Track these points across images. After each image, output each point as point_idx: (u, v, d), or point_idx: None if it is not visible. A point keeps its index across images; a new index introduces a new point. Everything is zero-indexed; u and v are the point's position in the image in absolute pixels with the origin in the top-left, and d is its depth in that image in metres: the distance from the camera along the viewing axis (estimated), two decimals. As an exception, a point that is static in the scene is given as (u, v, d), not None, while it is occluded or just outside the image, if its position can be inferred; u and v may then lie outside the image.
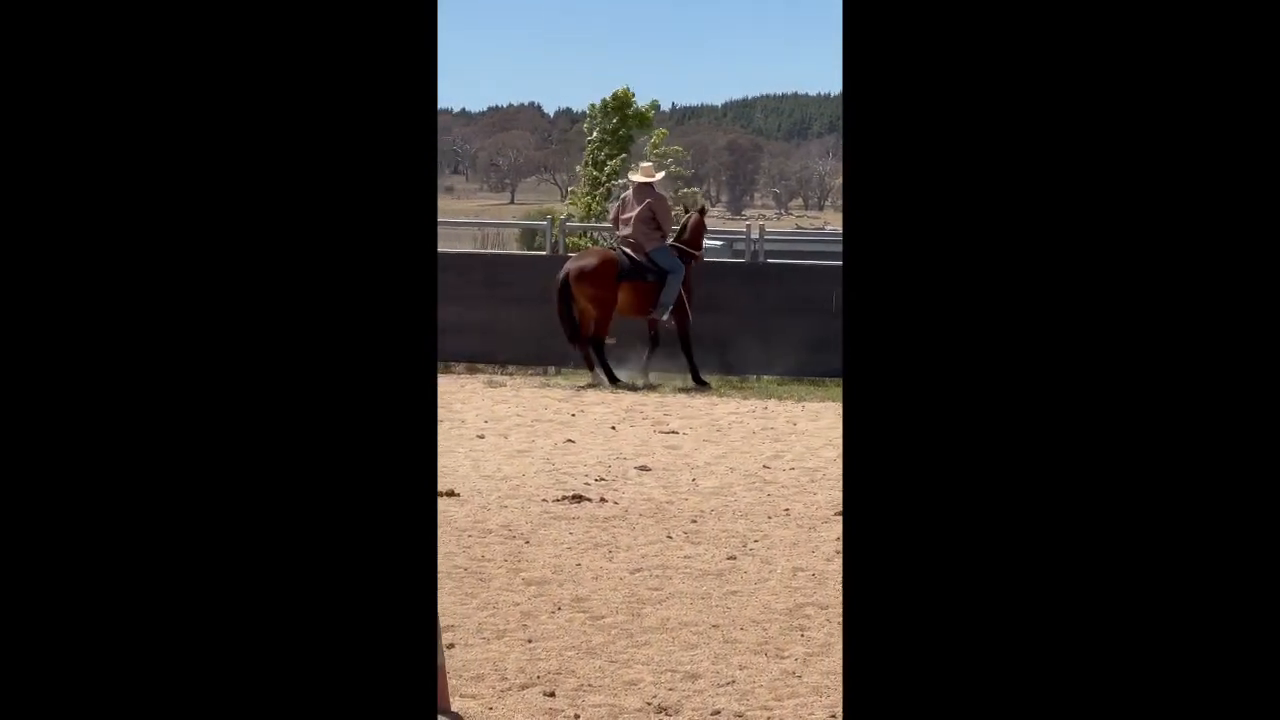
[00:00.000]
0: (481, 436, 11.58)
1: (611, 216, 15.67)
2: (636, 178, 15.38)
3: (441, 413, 11.12)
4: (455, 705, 5.11)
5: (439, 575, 6.27)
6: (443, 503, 8.68)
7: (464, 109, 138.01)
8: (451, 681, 5.24)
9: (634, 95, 20.89)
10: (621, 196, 15.89)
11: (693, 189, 26.85)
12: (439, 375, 11.71)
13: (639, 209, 14.96)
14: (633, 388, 14.62)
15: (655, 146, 21.38)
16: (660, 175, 16.07)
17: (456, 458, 10.37)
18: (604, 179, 20.72)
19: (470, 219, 51.77)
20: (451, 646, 5.83)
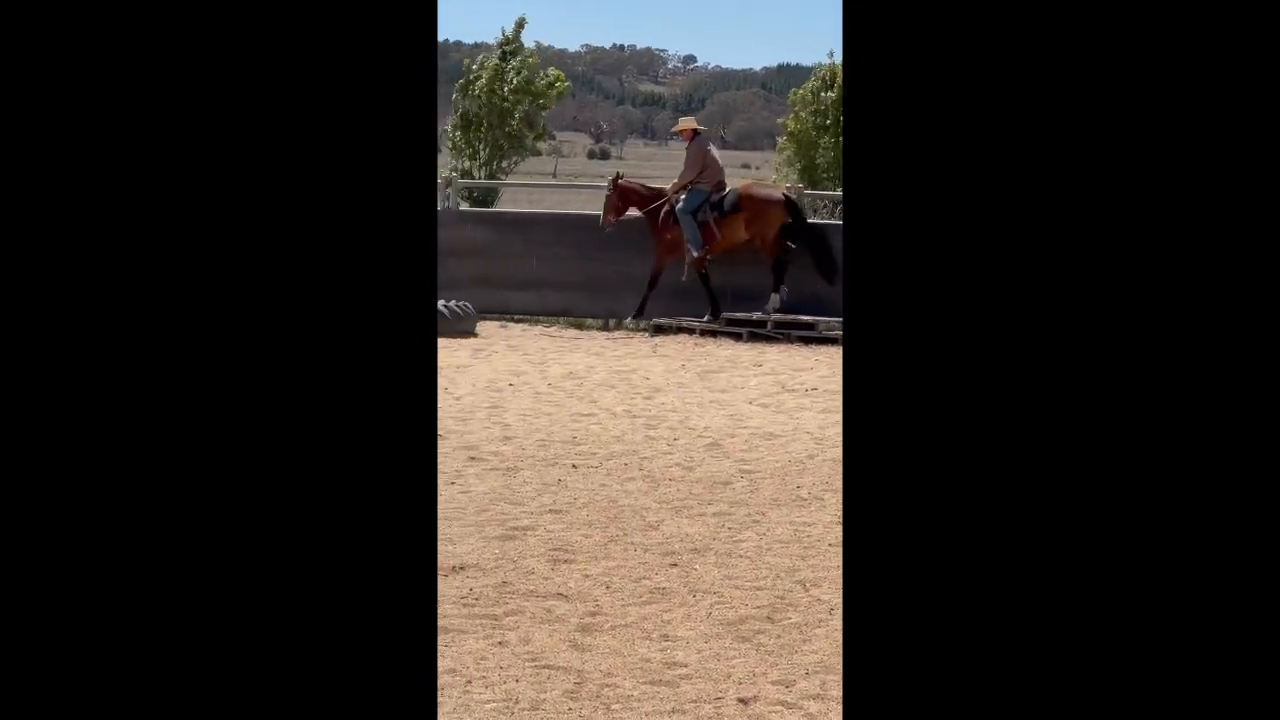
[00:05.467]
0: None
1: (709, 161, 16.17)
2: (694, 126, 16.52)
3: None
4: None
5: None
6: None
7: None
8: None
9: None
10: (708, 146, 16.53)
11: None
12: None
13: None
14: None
15: None
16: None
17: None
18: None
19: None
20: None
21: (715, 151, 16.55)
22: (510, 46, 26.89)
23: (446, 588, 6.14)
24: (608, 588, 6.23)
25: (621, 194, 16.39)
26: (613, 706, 4.85)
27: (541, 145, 29.79)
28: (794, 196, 16.14)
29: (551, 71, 26.91)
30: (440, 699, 4.82)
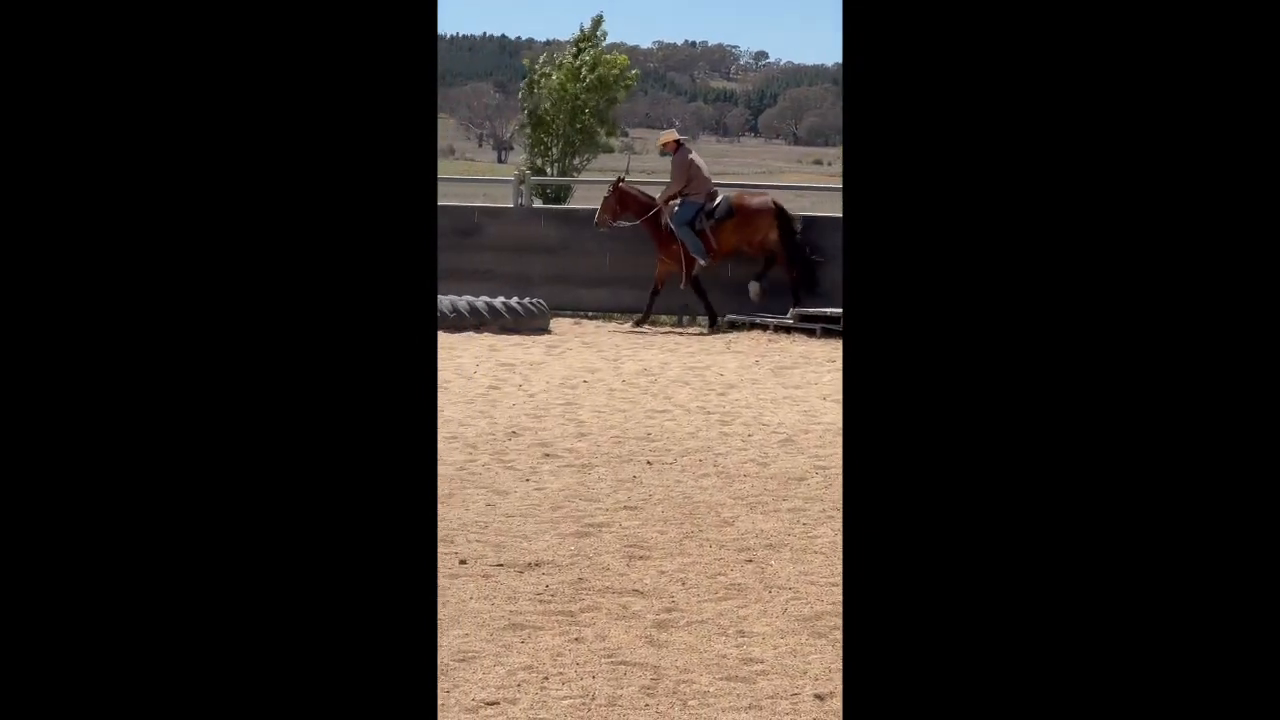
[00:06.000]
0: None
1: (694, 171, 16.52)
2: (676, 138, 16.98)
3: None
4: None
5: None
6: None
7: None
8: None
9: None
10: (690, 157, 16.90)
11: None
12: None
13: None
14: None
15: None
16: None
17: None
18: None
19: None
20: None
21: (700, 160, 16.95)
22: (587, 43, 26.91)
23: (522, 583, 6.15)
24: (683, 584, 6.23)
25: (620, 197, 16.62)
26: (689, 703, 4.84)
27: (614, 142, 29.80)
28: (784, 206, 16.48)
29: (619, 59, 26.87)
30: (516, 695, 4.83)
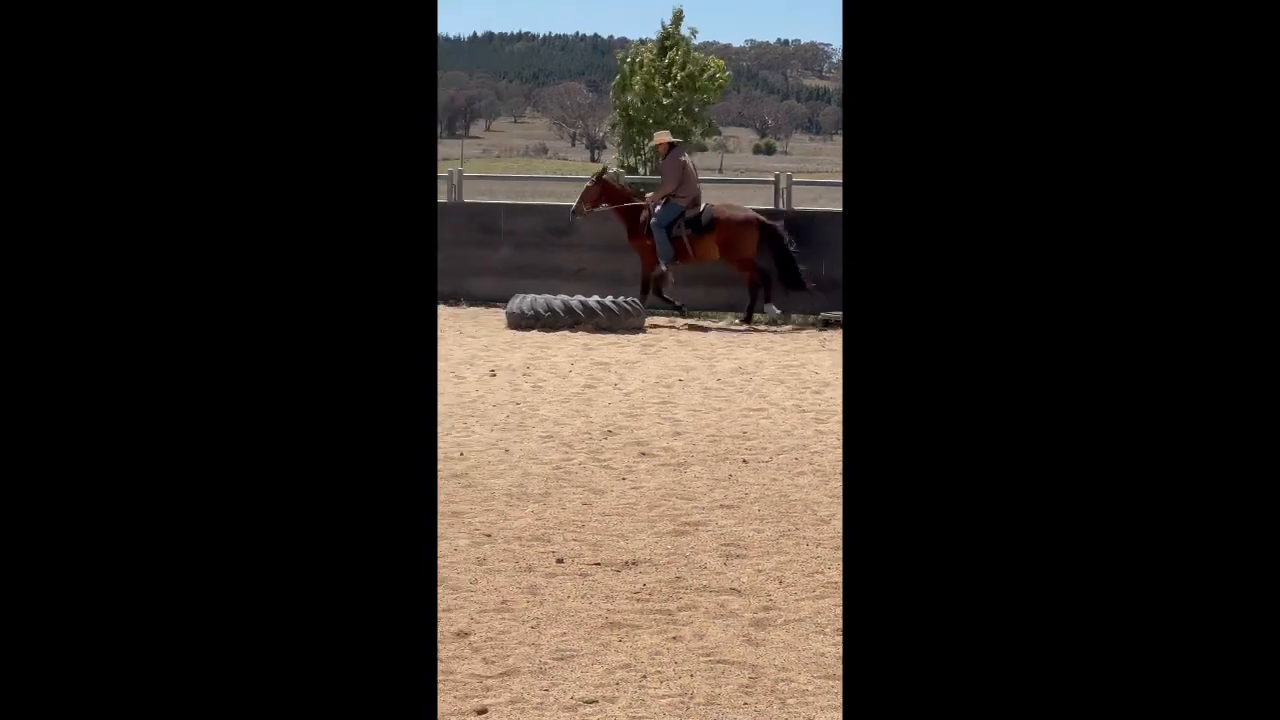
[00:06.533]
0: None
1: (686, 175, 16.70)
2: (669, 139, 17.21)
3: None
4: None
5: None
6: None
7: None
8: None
9: None
10: (683, 159, 17.07)
11: None
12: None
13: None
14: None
15: None
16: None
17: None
18: None
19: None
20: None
21: (692, 164, 17.07)
22: (670, 40, 26.87)
23: (619, 582, 6.16)
24: (780, 582, 6.21)
25: (604, 188, 16.86)
26: (788, 701, 4.83)
27: (707, 141, 29.78)
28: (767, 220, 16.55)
29: (712, 60, 26.85)
30: (615, 693, 4.84)
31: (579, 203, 16.83)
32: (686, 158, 17.15)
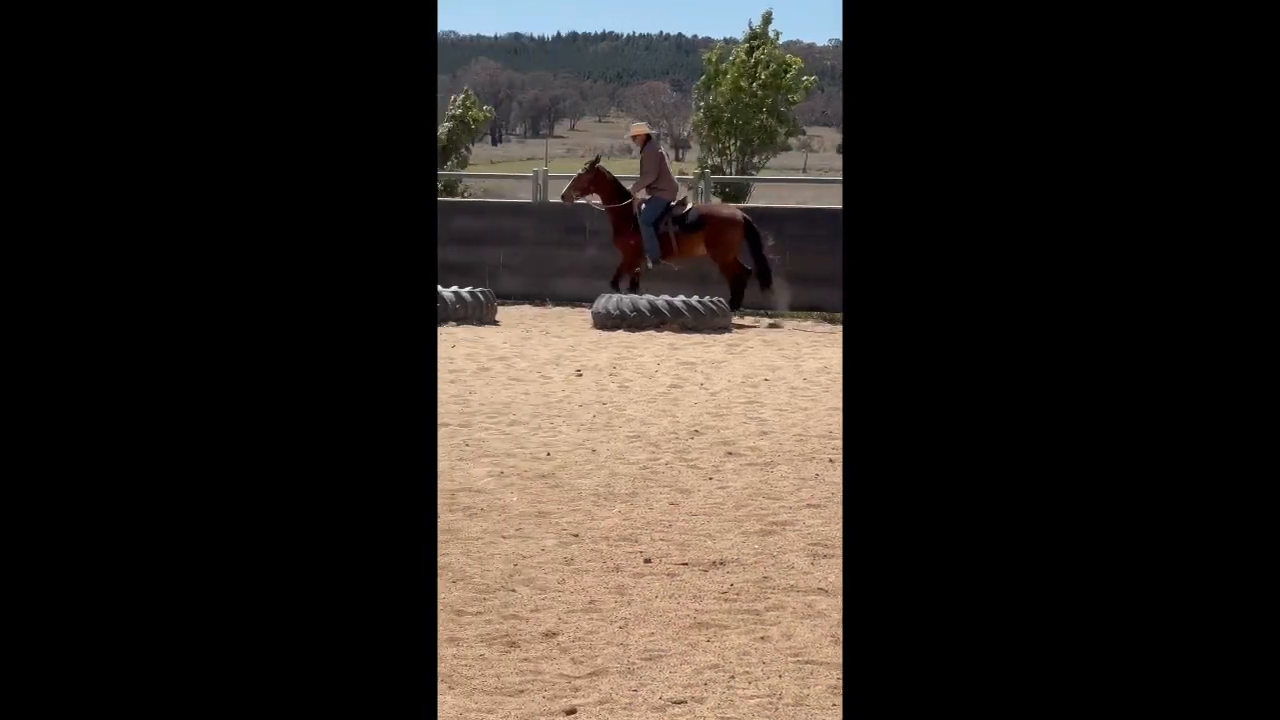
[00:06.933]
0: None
1: (664, 167, 17.01)
2: (646, 130, 17.47)
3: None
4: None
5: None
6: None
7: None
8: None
9: None
10: (660, 151, 17.42)
11: None
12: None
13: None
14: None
15: None
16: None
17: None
18: None
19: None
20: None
21: (667, 158, 17.54)
22: (757, 41, 26.83)
23: (707, 582, 6.15)
24: (869, 583, 6.18)
25: (596, 177, 17.00)
26: (877, 702, 4.80)
27: (792, 140, 29.71)
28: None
29: (793, 61, 26.79)
30: (704, 694, 4.84)
31: (569, 189, 17.12)
32: (664, 150, 17.48)
